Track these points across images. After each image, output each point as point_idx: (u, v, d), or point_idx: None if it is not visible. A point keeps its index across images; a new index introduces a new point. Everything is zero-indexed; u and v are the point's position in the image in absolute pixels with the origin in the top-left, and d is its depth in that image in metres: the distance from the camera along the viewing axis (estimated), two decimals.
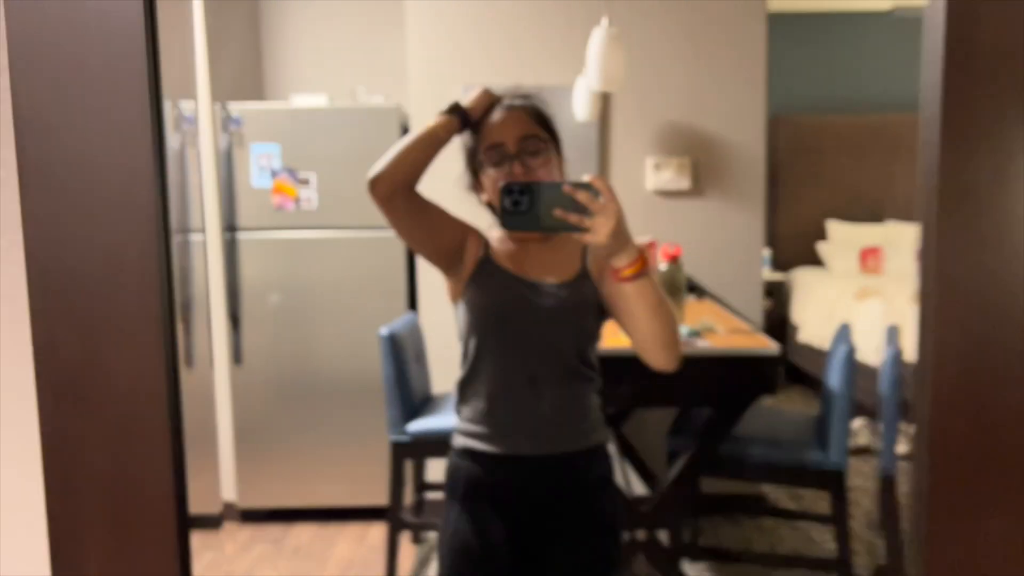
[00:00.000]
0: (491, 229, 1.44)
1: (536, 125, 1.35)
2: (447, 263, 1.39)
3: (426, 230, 1.36)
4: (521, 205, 1.14)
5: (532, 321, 1.35)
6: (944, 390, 0.64)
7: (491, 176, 1.33)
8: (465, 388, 1.41)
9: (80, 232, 0.64)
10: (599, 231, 1.14)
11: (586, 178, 1.15)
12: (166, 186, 0.68)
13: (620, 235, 1.16)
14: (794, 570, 2.58)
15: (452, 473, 1.43)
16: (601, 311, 1.39)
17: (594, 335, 1.41)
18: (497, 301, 1.37)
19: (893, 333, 2.46)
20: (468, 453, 1.40)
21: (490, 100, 1.37)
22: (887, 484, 2.28)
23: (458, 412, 1.43)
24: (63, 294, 0.63)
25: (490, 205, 1.41)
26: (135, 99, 0.64)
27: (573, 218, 1.13)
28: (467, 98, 1.37)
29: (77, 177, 0.64)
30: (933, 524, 0.65)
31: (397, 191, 1.30)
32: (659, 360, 1.31)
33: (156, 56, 0.66)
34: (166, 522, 0.67)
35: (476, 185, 1.40)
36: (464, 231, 1.40)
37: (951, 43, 0.63)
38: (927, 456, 0.65)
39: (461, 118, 1.35)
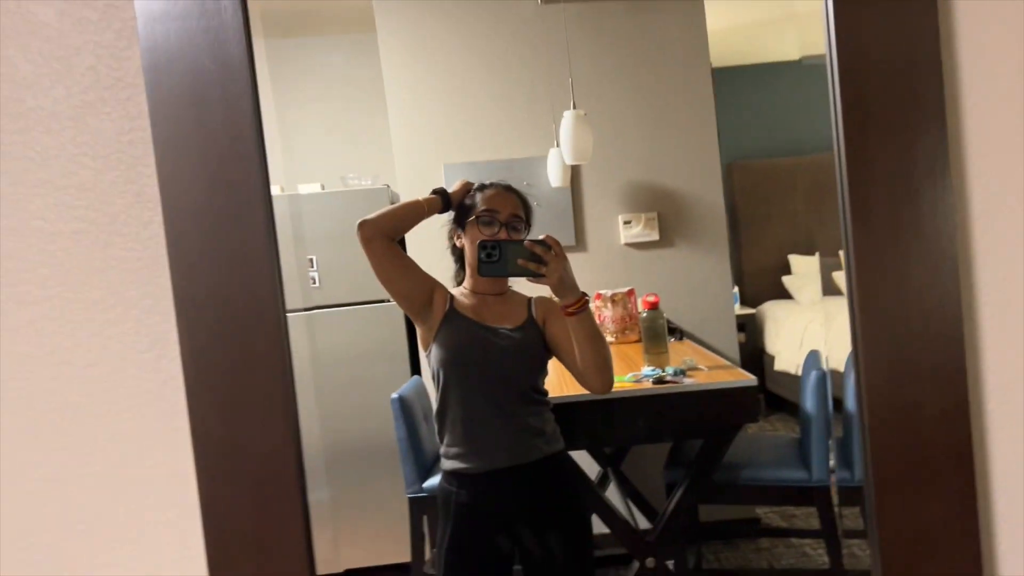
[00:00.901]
0: (453, 288, 1.75)
1: (522, 210, 1.69)
2: (417, 310, 1.67)
3: (398, 275, 1.65)
4: (493, 257, 1.49)
5: (493, 358, 1.64)
6: (876, 395, 0.83)
7: (478, 230, 1.64)
8: (442, 417, 1.68)
9: (221, 330, 0.79)
10: (551, 275, 1.49)
11: (541, 237, 1.51)
12: (281, 275, 0.82)
13: (567, 279, 1.52)
14: None
15: (443, 496, 1.69)
16: (545, 350, 1.70)
17: (542, 367, 1.71)
18: (465, 343, 1.65)
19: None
20: (454, 475, 1.67)
21: (468, 188, 1.70)
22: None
23: (440, 439, 1.70)
24: (211, 387, 0.81)
25: (459, 251, 1.74)
26: (256, 197, 0.80)
27: (532, 265, 1.49)
28: (453, 187, 1.71)
29: (217, 282, 0.79)
30: (880, 504, 0.85)
31: (376, 237, 1.60)
32: (596, 383, 1.62)
33: (265, 156, 0.81)
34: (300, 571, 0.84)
35: (456, 233, 1.72)
36: (433, 285, 1.69)
37: (845, 87, 0.81)
38: (871, 450, 0.86)
39: (444, 200, 1.68)
